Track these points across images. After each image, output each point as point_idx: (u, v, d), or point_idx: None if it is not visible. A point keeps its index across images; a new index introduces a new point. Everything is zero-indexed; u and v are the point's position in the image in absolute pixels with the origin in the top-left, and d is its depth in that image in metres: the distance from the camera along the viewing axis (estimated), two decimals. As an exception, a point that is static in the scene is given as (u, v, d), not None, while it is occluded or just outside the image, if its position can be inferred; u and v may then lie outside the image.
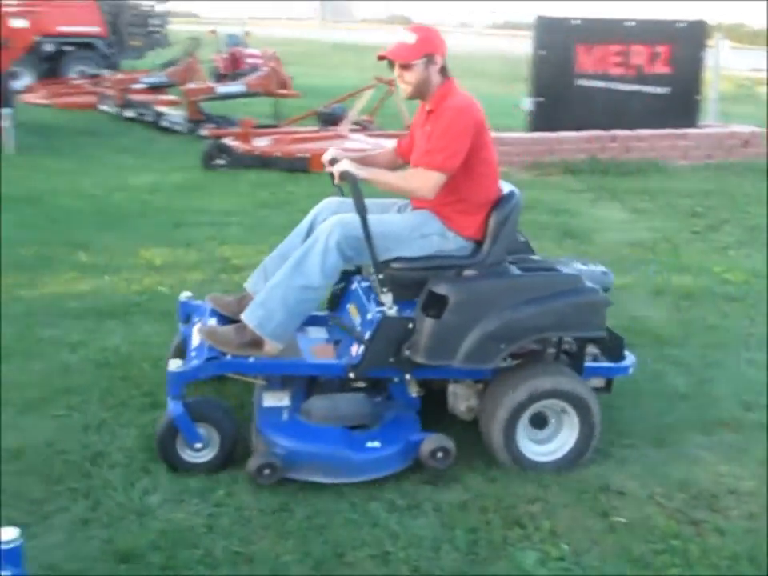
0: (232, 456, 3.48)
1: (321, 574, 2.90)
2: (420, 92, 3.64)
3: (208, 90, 12.80)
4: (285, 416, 3.54)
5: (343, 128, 11.10)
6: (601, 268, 4.07)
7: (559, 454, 3.62)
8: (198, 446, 3.43)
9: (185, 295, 4.21)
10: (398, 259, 3.58)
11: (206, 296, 4.05)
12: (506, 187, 3.77)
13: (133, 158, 10.65)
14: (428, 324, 3.45)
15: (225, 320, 3.80)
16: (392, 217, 3.75)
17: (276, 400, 3.64)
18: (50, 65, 17.56)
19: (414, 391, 3.67)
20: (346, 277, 4.08)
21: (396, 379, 3.64)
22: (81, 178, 9.18)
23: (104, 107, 14.39)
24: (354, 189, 3.45)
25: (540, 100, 10.96)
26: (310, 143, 10.46)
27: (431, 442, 3.43)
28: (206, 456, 3.46)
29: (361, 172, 3.50)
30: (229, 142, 10.18)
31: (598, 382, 3.91)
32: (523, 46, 13.29)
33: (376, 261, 3.50)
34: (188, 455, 3.44)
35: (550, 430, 3.64)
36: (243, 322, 3.58)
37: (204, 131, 11.62)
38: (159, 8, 22.36)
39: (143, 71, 16.03)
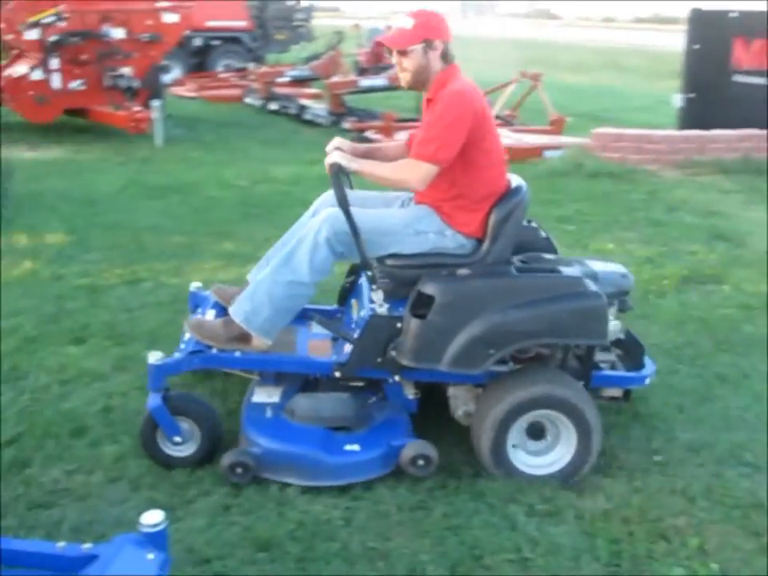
0: (215, 451, 3.40)
1: (457, 575, 2.85)
2: (419, 80, 3.46)
3: (351, 84, 12.92)
4: (269, 413, 3.45)
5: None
6: (620, 270, 3.77)
7: (555, 468, 3.39)
8: (178, 439, 3.37)
9: (194, 285, 4.19)
10: (393, 256, 3.44)
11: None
12: (514, 181, 3.57)
13: (276, 149, 10.85)
14: (414, 324, 3.30)
15: (226, 312, 3.71)
16: (388, 212, 3.60)
17: (266, 396, 3.56)
18: (199, 59, 18.15)
19: (410, 393, 3.55)
20: (357, 270, 3.97)
21: (390, 380, 3.49)
22: (226, 169, 9.41)
23: (249, 100, 14.74)
24: (335, 182, 3.32)
25: (691, 96, 10.54)
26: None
27: (412, 448, 3.28)
28: (186, 450, 3.40)
29: (353, 164, 3.39)
30: (371, 135, 10.23)
31: (616, 392, 3.70)
32: (672, 41, 12.83)
33: (363, 257, 3.37)
34: (169, 448, 3.39)
35: (547, 441, 3.43)
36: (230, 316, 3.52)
37: (346, 124, 11.74)
38: (304, 2, 22.78)
39: (288, 65, 16.34)
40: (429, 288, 3.31)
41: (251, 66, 16.55)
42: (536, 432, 3.40)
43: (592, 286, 3.37)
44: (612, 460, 3.54)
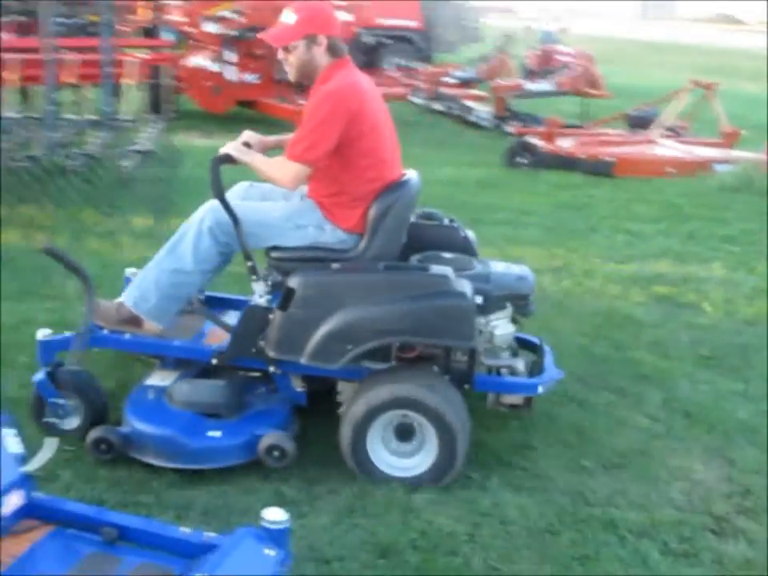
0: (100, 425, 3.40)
1: (580, 606, 2.75)
2: (304, 75, 3.49)
3: (516, 87, 12.77)
4: (151, 395, 3.51)
5: (654, 133, 10.63)
6: (520, 272, 3.70)
7: (416, 472, 3.30)
8: (60, 413, 3.46)
9: (130, 271, 4.22)
10: (275, 248, 3.50)
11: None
12: (407, 176, 3.57)
13: (437, 150, 10.82)
14: (278, 316, 3.35)
15: None
16: (273, 205, 3.62)
17: (159, 380, 3.62)
18: (369, 56, 18.36)
19: (297, 386, 3.56)
20: None
21: (274, 370, 3.49)
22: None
23: (415, 99, 14.80)
24: (212, 172, 3.38)
25: None
26: (617, 147, 10.13)
27: (269, 438, 3.28)
28: (70, 423, 3.49)
29: (244, 157, 3.45)
30: (533, 140, 10.09)
31: (516, 399, 3.56)
32: None
33: (244, 248, 3.42)
34: (54, 421, 3.47)
35: (415, 443, 3.33)
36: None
37: (509, 128, 11.62)
38: (475, 3, 22.71)
39: (454, 65, 16.32)
40: (291, 281, 3.34)
41: (419, 65, 16.62)
42: (406, 433, 3.33)
43: (459, 287, 3.30)
44: (757, 501, 3.32)
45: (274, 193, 3.73)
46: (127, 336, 3.67)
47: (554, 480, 3.40)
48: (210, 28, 11.01)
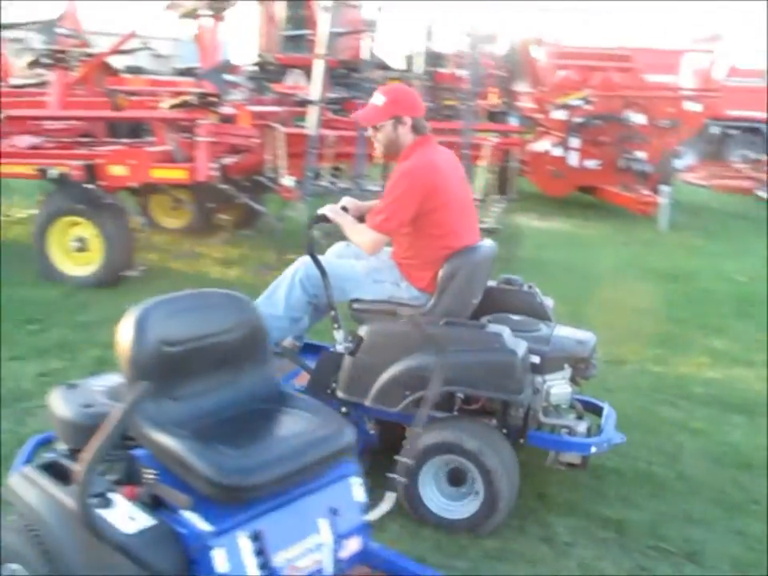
0: None
1: None
2: (390, 151, 3.82)
3: None
4: None
5: None
6: (581, 336, 3.82)
7: (462, 515, 3.48)
8: None
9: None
10: (356, 300, 3.80)
11: None
12: (479, 244, 3.80)
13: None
14: (347, 361, 3.64)
15: None
16: (356, 262, 3.93)
17: None
18: (713, 147, 17.80)
19: (370, 428, 3.75)
20: None
21: (345, 411, 3.64)
22: (725, 262, 9.11)
23: (760, 193, 14.08)
24: (308, 230, 3.79)
25: None
26: None
27: None
28: None
29: (337, 218, 3.80)
30: None
31: (574, 458, 3.67)
32: None
33: (330, 299, 3.76)
34: None
35: (465, 489, 3.52)
36: None
37: None
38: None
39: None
40: (361, 330, 3.65)
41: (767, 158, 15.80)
42: (459, 478, 3.52)
43: (511, 344, 3.46)
44: None
45: (362, 253, 3.97)
46: None
47: None
48: (558, 115, 11.36)
